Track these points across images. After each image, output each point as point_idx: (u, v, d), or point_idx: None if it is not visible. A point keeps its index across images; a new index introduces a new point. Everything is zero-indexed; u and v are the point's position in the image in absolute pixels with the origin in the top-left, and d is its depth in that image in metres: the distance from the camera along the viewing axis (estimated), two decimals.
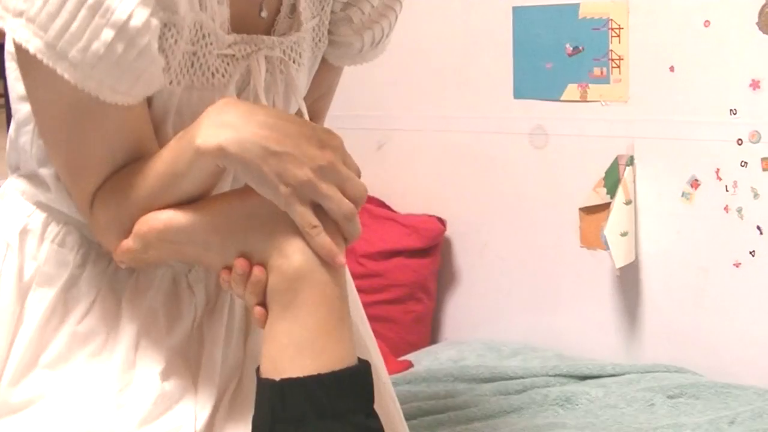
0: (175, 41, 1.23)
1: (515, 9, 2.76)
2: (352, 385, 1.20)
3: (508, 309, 2.88)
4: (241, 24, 1.31)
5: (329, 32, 1.48)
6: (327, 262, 1.21)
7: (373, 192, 2.96)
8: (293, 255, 1.20)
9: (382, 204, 2.98)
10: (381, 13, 1.47)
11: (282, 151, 1.17)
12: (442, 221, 2.93)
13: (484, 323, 2.92)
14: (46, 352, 1.33)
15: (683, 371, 2.48)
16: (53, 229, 1.36)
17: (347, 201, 1.22)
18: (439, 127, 2.95)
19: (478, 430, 2.10)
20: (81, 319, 1.34)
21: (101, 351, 1.33)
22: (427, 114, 2.98)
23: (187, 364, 1.37)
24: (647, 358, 2.61)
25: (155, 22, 1.15)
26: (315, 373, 1.17)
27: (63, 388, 1.31)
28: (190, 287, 1.38)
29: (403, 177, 3.01)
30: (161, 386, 1.32)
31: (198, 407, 1.33)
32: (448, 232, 2.96)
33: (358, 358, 1.22)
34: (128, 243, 1.25)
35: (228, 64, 1.31)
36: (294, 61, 1.39)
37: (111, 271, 1.36)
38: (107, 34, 1.12)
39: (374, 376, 1.26)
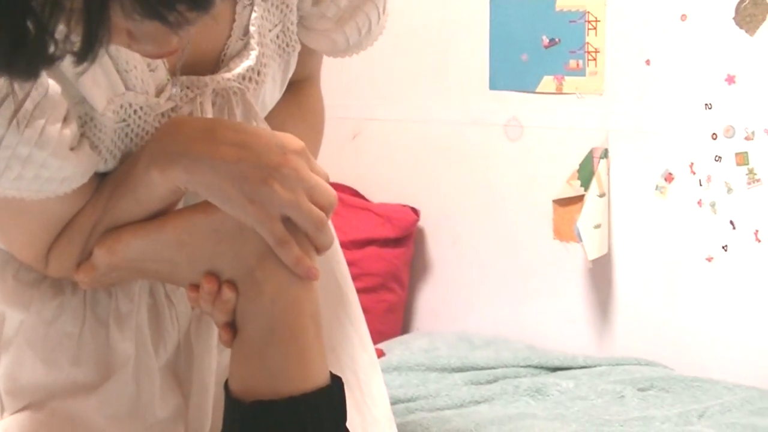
0: (100, 129, 1.14)
1: (492, 0, 2.75)
2: (324, 406, 1.17)
3: (481, 300, 2.88)
4: (191, 65, 1.22)
5: (310, 28, 1.38)
6: (299, 278, 1.16)
7: (347, 181, 2.98)
8: (265, 278, 1.15)
9: (355, 193, 2.97)
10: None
11: (243, 167, 1.11)
12: (415, 211, 2.93)
13: (456, 314, 2.92)
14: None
15: (654, 364, 2.48)
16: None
17: (316, 210, 1.15)
18: (414, 117, 2.95)
19: (449, 418, 2.09)
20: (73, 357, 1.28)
21: (98, 386, 1.28)
22: (402, 104, 2.97)
23: (178, 381, 1.34)
24: (618, 351, 2.62)
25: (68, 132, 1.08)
26: (287, 396, 1.14)
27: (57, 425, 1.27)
28: (168, 297, 1.32)
29: (378, 167, 3.01)
30: (154, 415, 1.29)
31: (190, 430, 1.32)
32: (422, 222, 2.95)
33: (330, 373, 1.19)
34: (90, 265, 1.19)
35: (169, 117, 1.20)
36: (252, 80, 1.28)
37: (90, 297, 1.29)
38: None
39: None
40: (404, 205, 2.94)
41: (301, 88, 1.46)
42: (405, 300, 2.97)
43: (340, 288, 1.51)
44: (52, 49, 0.79)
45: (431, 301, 3.00)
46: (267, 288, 1.15)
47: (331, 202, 1.17)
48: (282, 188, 1.12)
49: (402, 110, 2.97)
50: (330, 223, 1.19)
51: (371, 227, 2.84)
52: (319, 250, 1.19)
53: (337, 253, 1.51)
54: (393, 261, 2.87)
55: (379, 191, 2.96)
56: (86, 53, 0.81)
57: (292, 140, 1.16)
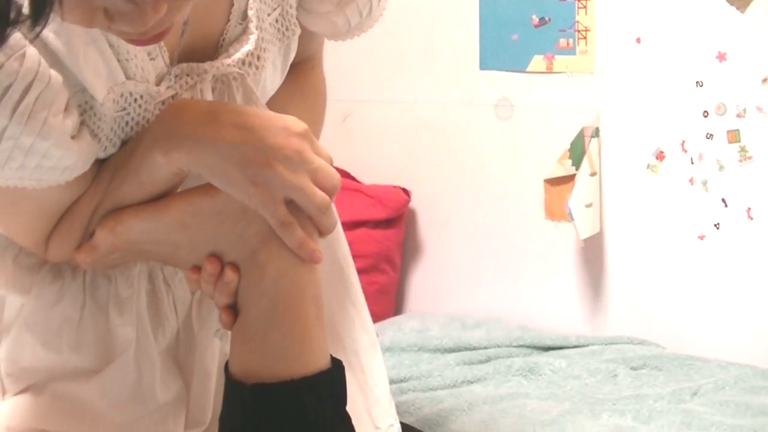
0: (99, 118, 1.13)
1: None
2: (325, 389, 1.17)
3: (472, 280, 2.88)
4: (190, 52, 1.22)
5: (311, 11, 1.36)
6: (302, 261, 1.15)
7: (338, 163, 2.93)
8: (268, 260, 1.15)
9: (346, 174, 2.97)
10: None
11: (246, 149, 1.10)
12: (406, 192, 2.92)
13: (448, 295, 2.92)
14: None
15: (646, 343, 2.49)
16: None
17: (320, 192, 1.15)
18: (404, 98, 2.94)
19: (442, 398, 2.10)
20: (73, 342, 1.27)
21: (98, 371, 1.27)
22: (392, 85, 2.96)
23: (179, 366, 1.33)
24: (610, 330, 2.62)
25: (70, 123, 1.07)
26: (288, 378, 1.13)
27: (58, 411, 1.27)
28: (166, 282, 1.31)
29: (368, 148, 3.00)
30: (156, 400, 1.29)
31: (191, 417, 1.32)
32: (413, 203, 2.95)
33: (331, 357, 1.19)
34: (91, 245, 1.18)
35: (167, 104, 1.20)
36: (251, 65, 1.27)
37: (89, 282, 1.28)
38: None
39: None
40: (395, 186, 2.93)
41: (302, 69, 1.45)
42: (397, 281, 2.97)
43: (342, 270, 1.51)
44: (13, 14, 0.81)
45: (423, 282, 3.00)
46: (269, 270, 1.14)
47: (335, 184, 1.17)
48: (285, 170, 1.11)
49: (392, 91, 2.96)
50: (333, 206, 1.18)
51: (362, 209, 2.83)
52: (323, 232, 1.18)
53: (340, 235, 1.51)
54: (384, 242, 2.87)
55: (370, 173, 2.95)
56: (38, 16, 0.82)
57: (295, 122, 1.15)
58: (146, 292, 1.29)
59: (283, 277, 1.15)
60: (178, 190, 1.18)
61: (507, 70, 2.74)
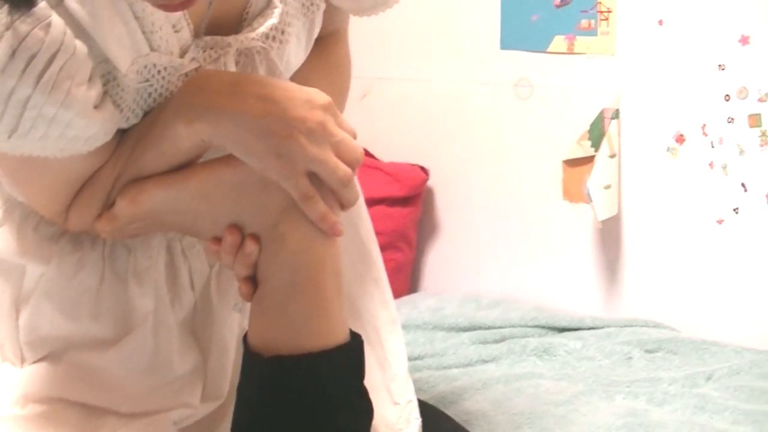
0: (122, 89, 1.14)
1: None
2: (343, 363, 1.17)
3: (489, 260, 2.88)
4: (214, 26, 1.22)
5: None
6: (323, 234, 1.16)
7: (356, 140, 2.96)
8: (288, 232, 1.15)
9: (365, 152, 2.96)
10: None
11: (270, 121, 1.10)
12: (424, 170, 2.92)
13: (464, 274, 2.91)
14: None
15: (661, 327, 2.48)
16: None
17: (343, 165, 1.15)
18: (424, 76, 2.93)
19: (456, 376, 2.10)
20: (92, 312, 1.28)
21: (116, 341, 1.29)
22: (412, 64, 2.96)
23: (196, 338, 1.34)
24: (626, 312, 2.61)
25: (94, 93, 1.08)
26: (306, 352, 1.14)
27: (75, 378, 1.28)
28: (184, 254, 1.31)
29: (387, 126, 3.00)
30: (173, 371, 1.30)
31: (208, 390, 1.33)
32: (431, 182, 2.94)
33: (350, 331, 1.19)
34: (112, 214, 1.18)
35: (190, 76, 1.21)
36: (275, 39, 1.27)
37: (108, 252, 1.28)
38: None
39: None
40: (414, 165, 2.93)
41: (327, 44, 1.45)
42: (413, 259, 2.97)
43: (364, 245, 1.52)
44: None
45: (439, 261, 2.99)
46: (290, 242, 1.15)
47: (357, 158, 1.17)
48: (308, 143, 1.11)
49: (412, 70, 2.96)
50: (356, 179, 1.18)
51: (380, 186, 2.83)
52: (344, 206, 1.18)
53: (362, 210, 1.52)
54: (401, 220, 2.86)
55: (388, 150, 2.94)
56: None
57: (319, 95, 1.15)
58: (165, 264, 1.30)
59: (303, 250, 1.15)
60: (200, 160, 1.18)
61: (527, 50, 2.73)
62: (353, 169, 1.16)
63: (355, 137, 1.17)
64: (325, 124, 1.13)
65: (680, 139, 2.49)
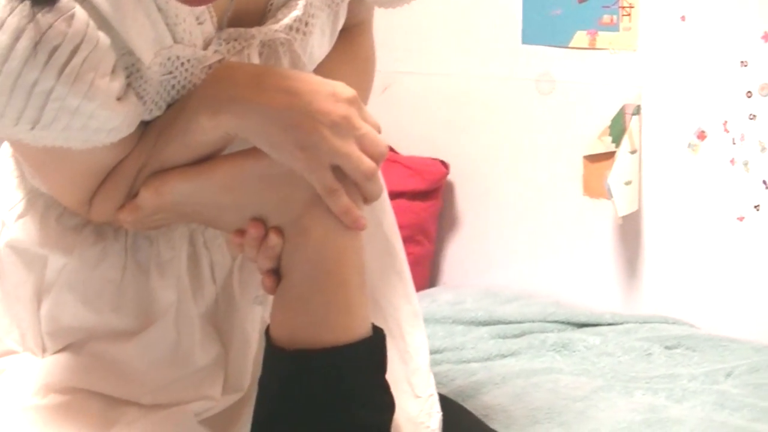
0: (146, 81, 1.14)
1: None
2: (366, 358, 1.17)
3: (508, 254, 2.88)
4: (238, 17, 1.22)
5: None
6: (346, 228, 1.15)
7: None
8: (312, 225, 1.15)
9: None
10: None
11: (294, 114, 1.10)
12: (445, 164, 2.92)
13: (484, 268, 2.91)
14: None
15: (681, 323, 2.48)
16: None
17: (367, 159, 1.14)
18: (445, 71, 2.93)
19: (475, 370, 2.10)
20: (113, 303, 1.29)
21: (138, 332, 1.29)
22: (433, 57, 2.96)
23: (218, 330, 1.34)
24: (646, 309, 2.61)
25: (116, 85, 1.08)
26: (329, 346, 1.14)
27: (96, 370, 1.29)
28: (206, 246, 1.32)
29: (408, 119, 3.00)
30: (194, 363, 1.30)
31: (229, 383, 1.33)
32: (451, 176, 2.94)
33: (372, 325, 1.19)
34: (134, 205, 1.18)
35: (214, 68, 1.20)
36: (299, 31, 1.27)
37: (131, 243, 1.29)
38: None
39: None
40: (434, 159, 2.93)
41: (351, 36, 1.45)
42: (432, 253, 2.97)
43: (387, 238, 1.52)
44: None
45: (458, 255, 3.00)
46: (314, 236, 1.14)
47: (382, 152, 1.16)
48: (332, 136, 1.11)
49: (433, 63, 2.95)
50: (379, 173, 1.18)
51: (400, 179, 2.83)
52: (368, 200, 1.18)
53: (386, 204, 1.52)
54: (421, 214, 2.86)
55: (409, 144, 2.94)
56: None
57: (343, 88, 1.14)
58: (187, 256, 1.30)
59: (327, 244, 1.15)
60: (224, 153, 1.18)
61: (549, 45, 2.72)
62: (377, 163, 1.16)
63: (379, 131, 1.17)
64: (350, 118, 1.13)
65: (701, 135, 2.49)
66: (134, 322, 1.29)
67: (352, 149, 1.13)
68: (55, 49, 1.00)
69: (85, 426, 1.24)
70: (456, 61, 2.90)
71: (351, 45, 1.45)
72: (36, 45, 0.98)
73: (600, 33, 2.62)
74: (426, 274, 2.96)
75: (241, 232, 1.17)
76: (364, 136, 1.14)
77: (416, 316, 1.53)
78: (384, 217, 1.51)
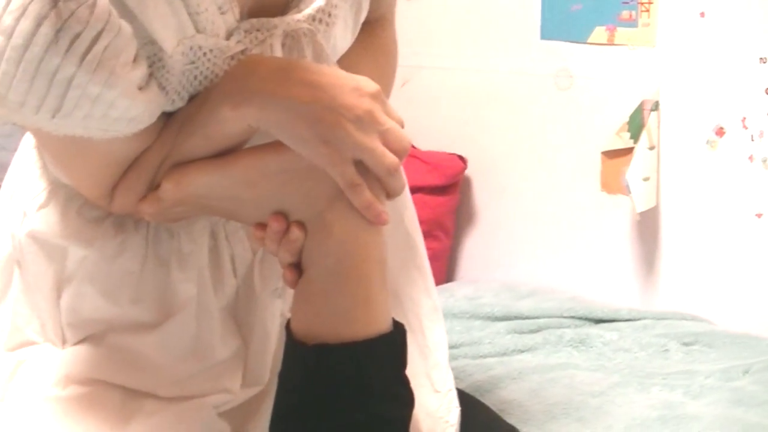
0: (168, 71, 1.13)
1: None
2: (386, 353, 1.17)
3: (526, 250, 2.88)
4: (260, 8, 1.21)
5: None
6: (369, 222, 1.15)
7: None
8: (334, 220, 1.14)
9: None
10: None
11: (317, 108, 1.09)
12: (463, 159, 2.92)
13: (501, 263, 2.92)
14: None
15: (698, 320, 2.47)
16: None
17: (390, 154, 1.13)
18: (464, 65, 2.94)
19: (492, 365, 2.10)
20: (133, 295, 1.29)
21: (157, 325, 1.29)
22: (452, 52, 2.96)
23: (238, 324, 1.34)
24: (663, 305, 2.61)
25: (139, 74, 1.07)
26: (350, 340, 1.13)
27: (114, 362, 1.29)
28: (227, 239, 1.31)
29: (426, 114, 3.00)
30: (214, 356, 1.30)
31: (248, 376, 1.33)
32: (469, 171, 2.95)
33: (393, 321, 1.19)
34: (155, 197, 1.18)
35: (238, 60, 1.18)
36: (322, 22, 1.26)
37: (152, 236, 1.29)
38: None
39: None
40: (452, 154, 2.93)
41: (373, 29, 1.44)
42: (449, 248, 2.97)
43: (408, 233, 1.52)
44: None
45: (476, 250, 3.00)
46: (336, 230, 1.14)
47: (405, 147, 1.15)
48: (355, 131, 1.10)
49: (452, 58, 2.96)
50: (402, 168, 1.17)
51: (418, 175, 2.83)
52: (390, 195, 1.17)
53: (407, 199, 1.51)
54: (438, 209, 2.87)
55: (427, 139, 2.95)
56: None
57: (367, 83, 1.14)
58: (208, 249, 1.29)
59: (349, 238, 1.14)
60: (246, 146, 1.18)
61: (567, 41, 2.73)
62: (400, 158, 1.15)
63: (402, 126, 1.16)
64: (373, 112, 1.12)
65: (720, 131, 2.48)
66: (154, 314, 1.29)
67: (375, 144, 1.12)
68: (77, 36, 0.99)
69: (104, 417, 1.24)
70: (474, 57, 2.91)
71: (373, 39, 1.45)
72: (58, 32, 0.98)
73: (619, 29, 2.62)
74: (443, 269, 2.96)
75: (262, 226, 1.17)
76: (387, 131, 1.13)
77: (436, 311, 1.53)
78: (405, 212, 1.51)
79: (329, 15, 1.27)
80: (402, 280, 1.49)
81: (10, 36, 0.98)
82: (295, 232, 1.15)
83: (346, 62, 1.33)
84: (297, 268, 1.17)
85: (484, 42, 2.89)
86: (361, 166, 1.13)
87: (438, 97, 2.99)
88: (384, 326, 1.17)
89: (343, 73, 1.15)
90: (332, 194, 1.14)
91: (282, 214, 1.16)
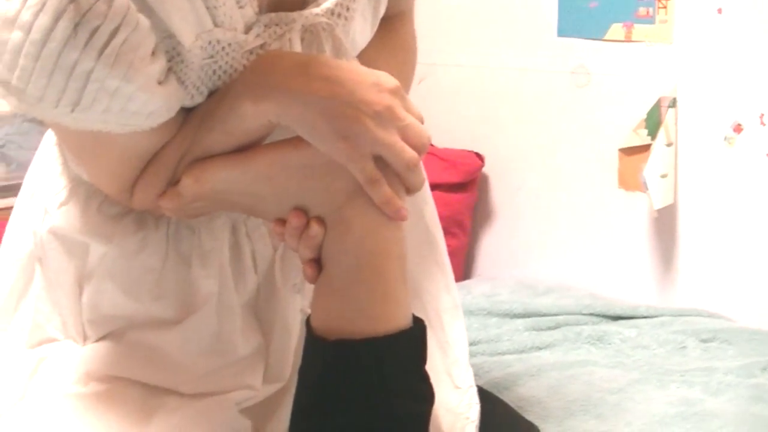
0: (186, 65, 1.14)
1: None
2: (406, 349, 1.17)
3: (543, 247, 2.88)
4: (278, 2, 1.21)
5: None
6: (388, 218, 1.15)
7: None
8: (354, 216, 1.14)
9: None
10: None
11: (337, 103, 1.09)
12: (480, 156, 2.92)
13: (519, 260, 2.92)
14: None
15: (716, 316, 2.47)
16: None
17: (409, 149, 1.13)
18: (480, 63, 2.94)
19: (510, 362, 2.10)
20: (154, 292, 1.29)
21: (178, 321, 1.30)
22: (469, 50, 2.96)
23: (259, 320, 1.35)
24: (681, 302, 2.61)
25: (157, 68, 1.08)
26: (370, 336, 1.13)
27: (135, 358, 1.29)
28: (248, 236, 1.32)
29: (443, 112, 3.00)
30: (235, 352, 1.31)
31: (270, 372, 1.33)
32: (486, 168, 2.95)
33: (413, 316, 1.19)
34: (175, 192, 1.18)
35: (257, 55, 1.19)
36: (341, 16, 1.26)
37: (172, 232, 1.29)
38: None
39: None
40: (469, 151, 2.94)
41: (392, 25, 1.44)
42: (467, 245, 2.98)
43: (428, 229, 1.52)
44: None
45: (493, 247, 3.00)
46: (356, 226, 1.14)
47: (424, 143, 1.15)
48: (375, 126, 1.11)
49: (468, 56, 2.96)
50: (421, 164, 1.17)
51: (436, 172, 2.83)
52: (410, 190, 1.17)
53: (427, 195, 1.51)
54: (456, 206, 2.87)
55: (444, 136, 2.95)
56: None
57: (387, 78, 1.14)
58: (229, 245, 1.30)
59: (368, 234, 1.14)
60: (266, 141, 1.18)
61: (585, 38, 2.72)
62: (420, 153, 1.15)
63: (422, 122, 1.16)
64: (393, 108, 1.12)
65: (738, 128, 2.48)
66: (175, 311, 1.29)
67: (395, 139, 1.12)
68: (95, 29, 1.00)
69: (125, 414, 1.25)
70: (491, 54, 2.91)
71: (392, 35, 1.45)
72: (76, 26, 0.99)
73: (636, 25, 2.62)
74: (461, 266, 2.96)
75: (282, 222, 1.17)
76: (407, 127, 1.13)
77: (456, 307, 1.53)
78: (425, 208, 1.51)
79: (348, 9, 1.27)
80: (422, 275, 1.49)
81: (28, 31, 0.99)
82: (315, 228, 1.15)
83: (365, 57, 1.34)
84: (317, 263, 1.17)
85: (500, 39, 2.89)
86: (380, 161, 1.13)
87: (455, 94, 2.99)
88: (404, 322, 1.17)
89: (362, 69, 1.16)
90: (352, 190, 1.14)
91: (301, 210, 1.16)
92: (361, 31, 1.32)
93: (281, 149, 1.16)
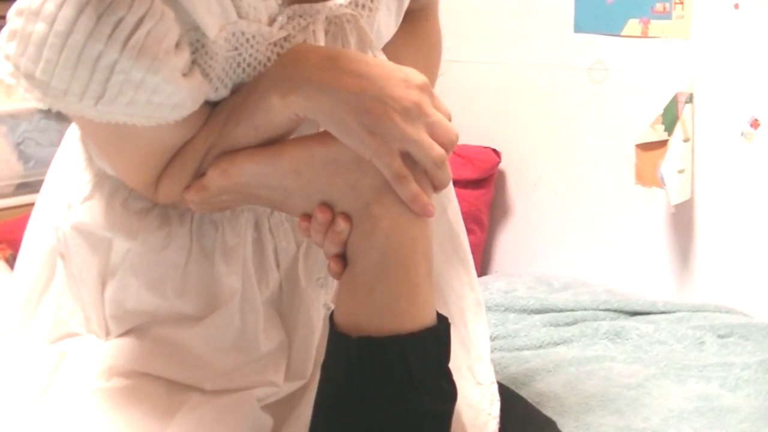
0: (211, 57, 1.14)
1: None
2: (430, 346, 1.16)
3: (560, 243, 2.88)
4: None
5: None
6: (415, 215, 1.14)
7: None
8: (381, 213, 1.13)
9: None
10: None
11: (365, 98, 1.09)
12: (497, 153, 2.93)
13: (536, 256, 2.92)
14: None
15: (734, 312, 2.46)
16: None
17: (437, 147, 1.13)
18: (497, 59, 2.94)
19: (528, 358, 2.11)
20: (178, 288, 1.30)
21: (202, 318, 1.30)
22: (486, 46, 2.96)
23: (281, 317, 1.35)
24: (698, 297, 2.60)
25: (181, 62, 1.08)
26: (394, 333, 1.13)
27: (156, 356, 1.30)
28: (271, 232, 1.32)
29: (461, 108, 2.99)
30: (258, 349, 1.31)
31: (292, 369, 1.34)
32: (503, 164, 2.95)
33: (437, 314, 1.18)
34: (201, 185, 1.18)
35: (281, 47, 1.19)
36: (365, 8, 1.26)
37: (196, 229, 1.29)
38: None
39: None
40: (486, 147, 2.94)
41: (417, 19, 1.44)
42: (484, 241, 2.98)
43: (452, 226, 1.52)
44: None
45: (510, 243, 3.00)
46: (382, 223, 1.14)
47: (452, 139, 1.16)
48: (403, 122, 1.10)
49: (486, 52, 2.96)
50: (447, 161, 1.17)
51: (453, 168, 2.75)
52: (437, 187, 1.17)
53: (451, 193, 1.51)
54: (473, 202, 2.87)
55: (461, 133, 2.89)
56: None
57: (416, 75, 1.13)
58: (252, 242, 1.30)
59: (395, 231, 1.14)
60: (293, 136, 1.18)
61: (601, 34, 2.72)
62: (447, 150, 1.15)
63: (450, 119, 1.16)
64: (421, 104, 1.11)
65: (755, 123, 2.48)
66: (198, 307, 1.30)
67: (423, 136, 1.12)
68: (119, 21, 1.00)
69: (148, 410, 1.25)
70: (508, 50, 2.91)
71: (417, 29, 1.45)
72: (99, 17, 0.99)
73: (653, 21, 2.62)
74: (478, 262, 2.96)
75: (308, 217, 1.17)
76: (435, 124, 1.13)
77: (479, 304, 1.53)
78: (449, 205, 1.51)
79: (372, 0, 1.26)
80: (445, 272, 1.49)
81: (52, 23, 0.99)
82: (341, 224, 1.14)
83: (389, 51, 1.34)
84: (342, 259, 1.17)
85: (517, 35, 2.89)
86: (408, 158, 1.13)
87: (472, 90, 2.99)
88: (428, 320, 1.16)
89: (391, 65, 1.15)
90: (379, 186, 1.14)
91: (328, 206, 1.15)
92: (386, 23, 1.31)
93: (308, 144, 1.16)
